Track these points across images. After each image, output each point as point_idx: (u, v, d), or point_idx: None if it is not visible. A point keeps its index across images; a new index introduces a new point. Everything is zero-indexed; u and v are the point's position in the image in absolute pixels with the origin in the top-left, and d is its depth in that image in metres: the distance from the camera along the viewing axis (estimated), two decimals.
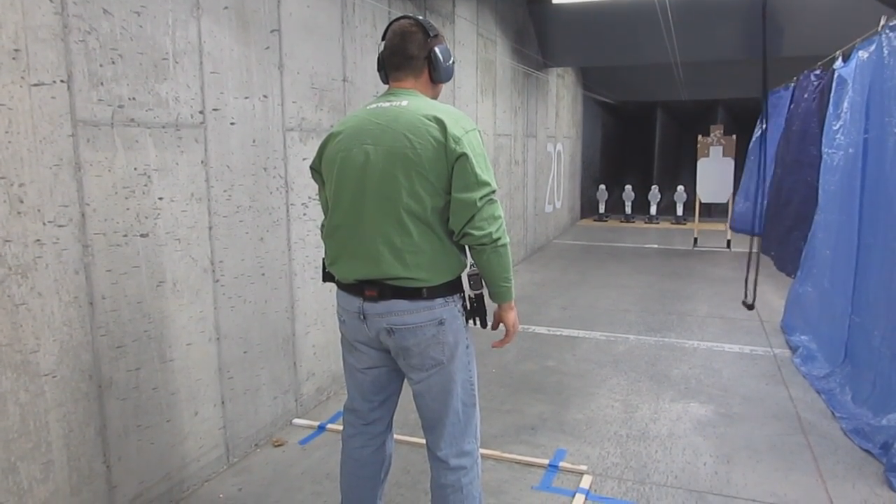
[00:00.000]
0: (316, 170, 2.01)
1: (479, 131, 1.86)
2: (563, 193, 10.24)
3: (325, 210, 2.00)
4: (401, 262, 1.78)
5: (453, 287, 1.86)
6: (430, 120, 1.76)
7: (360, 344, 1.95)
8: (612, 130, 13.10)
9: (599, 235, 10.10)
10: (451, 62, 1.95)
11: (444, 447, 1.93)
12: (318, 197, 3.39)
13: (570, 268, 7.46)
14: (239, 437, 2.93)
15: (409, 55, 1.89)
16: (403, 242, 1.78)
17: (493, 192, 1.78)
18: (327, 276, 2.00)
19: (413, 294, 1.80)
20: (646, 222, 11.46)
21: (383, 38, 1.95)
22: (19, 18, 1.89)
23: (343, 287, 1.92)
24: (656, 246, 9.02)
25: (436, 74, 1.92)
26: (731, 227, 8.28)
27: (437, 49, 1.90)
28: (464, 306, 1.90)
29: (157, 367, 2.45)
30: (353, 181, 1.83)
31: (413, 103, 1.82)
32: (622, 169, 13.06)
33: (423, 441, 2.41)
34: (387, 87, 1.97)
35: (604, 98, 12.02)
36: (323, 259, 2.01)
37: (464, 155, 1.73)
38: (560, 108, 9.65)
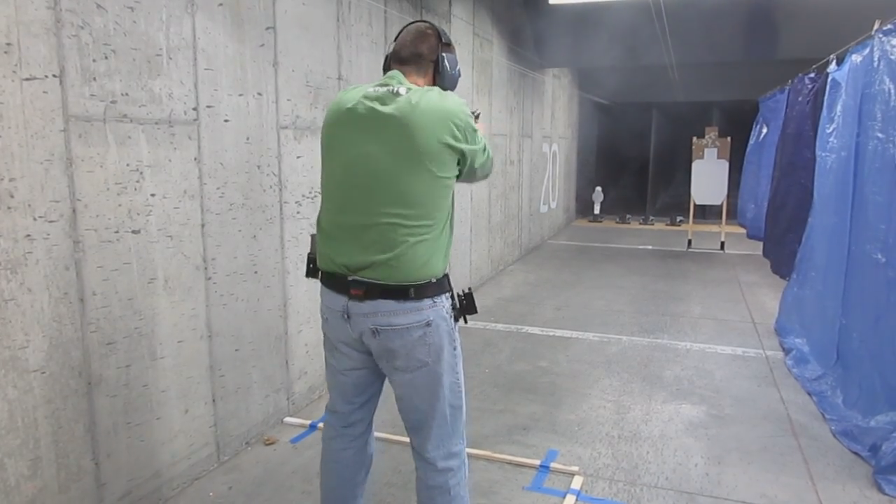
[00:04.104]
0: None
1: (465, 107, 1.83)
2: (559, 194, 10.25)
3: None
4: (387, 249, 1.75)
5: (441, 286, 1.82)
6: (429, 110, 1.74)
7: (341, 344, 1.92)
8: (608, 131, 13.12)
9: (594, 236, 10.12)
10: (457, 73, 1.95)
11: (432, 449, 1.91)
12: (311, 196, 3.40)
13: (565, 268, 7.47)
14: (230, 435, 2.92)
15: (417, 52, 1.88)
16: (394, 229, 1.74)
17: (485, 153, 1.89)
18: (312, 271, 1.96)
19: (400, 294, 1.76)
20: (640, 223, 11.49)
21: (395, 40, 1.94)
22: (11, 12, 1.88)
23: (328, 284, 1.89)
24: (651, 247, 9.03)
25: (440, 79, 1.90)
26: (748, 236, 8.24)
27: (445, 55, 1.90)
28: (453, 305, 1.87)
29: (148, 365, 2.44)
30: (345, 163, 1.81)
31: (412, 90, 1.79)
32: (617, 170, 13.08)
33: None
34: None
35: (599, 99, 12.03)
36: (308, 254, 1.97)
37: (465, 151, 1.80)
38: (556, 108, 9.66)
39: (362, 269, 1.78)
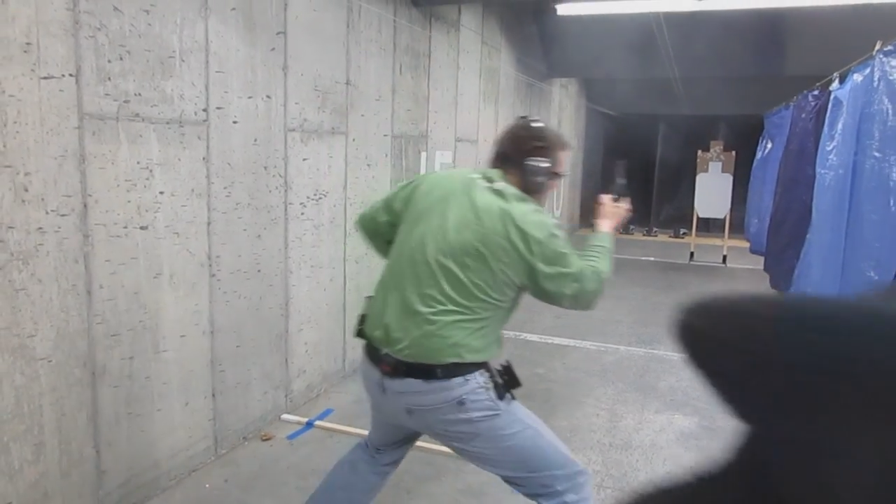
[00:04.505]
0: (389, 203, 1.96)
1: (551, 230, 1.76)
2: (563, 203, 10.29)
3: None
4: (426, 321, 1.71)
5: (474, 364, 1.73)
6: (517, 217, 1.72)
7: (381, 411, 1.93)
8: (614, 142, 13.18)
9: None
10: (542, 178, 1.87)
11: (531, 494, 1.85)
12: (315, 198, 3.46)
13: None
14: (228, 429, 2.97)
15: (505, 153, 1.89)
16: (437, 307, 1.71)
17: (580, 282, 1.79)
18: (362, 332, 1.89)
19: (427, 373, 1.69)
20: (644, 234, 11.53)
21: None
22: (32, 13, 1.95)
23: (367, 353, 1.85)
24: (653, 259, 9.07)
25: (522, 182, 1.85)
26: (750, 251, 8.27)
27: (531, 160, 1.84)
28: (494, 382, 1.74)
29: (151, 357, 2.50)
30: (422, 232, 1.80)
31: (503, 189, 1.80)
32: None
33: None
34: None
35: (606, 110, 12.08)
36: (361, 314, 1.91)
37: (535, 267, 1.73)
38: (562, 118, 9.71)
39: (399, 336, 1.74)
